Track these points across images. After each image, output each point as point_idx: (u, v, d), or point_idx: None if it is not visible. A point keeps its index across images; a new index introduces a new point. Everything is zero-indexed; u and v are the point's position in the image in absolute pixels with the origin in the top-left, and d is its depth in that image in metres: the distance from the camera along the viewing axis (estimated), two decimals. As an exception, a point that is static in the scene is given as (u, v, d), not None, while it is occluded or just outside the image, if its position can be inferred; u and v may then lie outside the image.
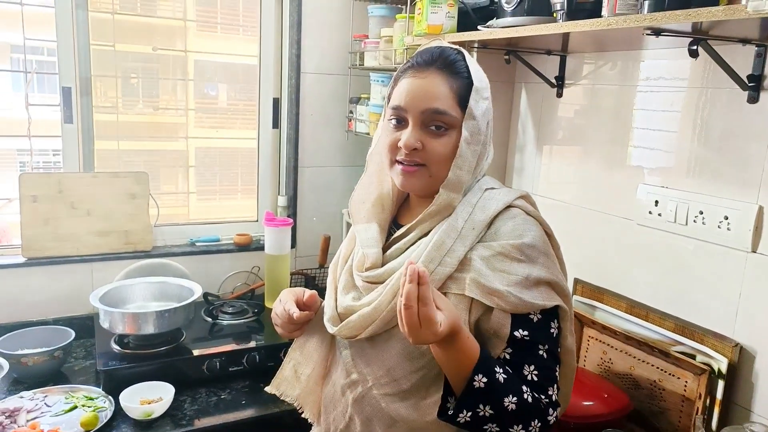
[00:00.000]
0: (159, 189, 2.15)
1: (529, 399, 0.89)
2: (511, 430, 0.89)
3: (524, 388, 0.89)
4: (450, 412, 0.88)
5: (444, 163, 0.97)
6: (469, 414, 0.87)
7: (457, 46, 1.02)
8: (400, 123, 0.98)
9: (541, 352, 0.93)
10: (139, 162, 2.06)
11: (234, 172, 2.32)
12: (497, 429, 0.88)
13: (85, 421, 1.40)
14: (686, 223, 1.37)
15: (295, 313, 1.05)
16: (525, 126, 1.88)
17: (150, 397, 1.50)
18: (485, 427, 0.88)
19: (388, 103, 1.03)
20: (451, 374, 0.89)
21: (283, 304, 1.08)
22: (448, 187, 0.97)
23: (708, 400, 1.29)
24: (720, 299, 1.31)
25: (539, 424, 0.90)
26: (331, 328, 1.04)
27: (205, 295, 2.02)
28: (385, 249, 1.04)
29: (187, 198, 2.20)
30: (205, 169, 2.26)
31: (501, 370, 0.88)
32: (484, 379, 0.86)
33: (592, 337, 1.57)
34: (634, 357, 1.46)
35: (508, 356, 0.93)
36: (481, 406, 0.86)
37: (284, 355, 1.17)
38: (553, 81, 1.73)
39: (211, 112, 2.24)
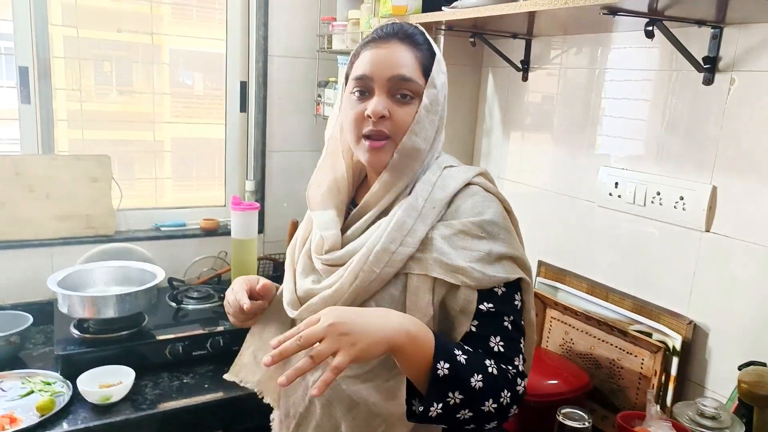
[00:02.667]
0: (132, 179, 2.12)
1: (495, 371, 0.87)
2: (483, 408, 0.86)
3: (488, 361, 0.88)
4: (421, 408, 0.85)
5: None
6: (440, 405, 0.83)
7: (414, 23, 1.01)
8: (364, 94, 0.97)
9: (506, 324, 0.92)
10: (113, 152, 2.01)
11: (210, 162, 2.28)
12: (470, 414, 0.86)
13: (41, 405, 1.37)
14: (644, 204, 1.39)
15: (245, 304, 1.03)
16: (492, 110, 1.89)
17: (109, 382, 1.47)
18: (458, 415, 0.86)
19: (346, 80, 1.02)
20: (412, 371, 0.86)
21: (235, 293, 1.06)
22: (402, 152, 0.96)
23: (663, 377, 1.31)
24: (675, 278, 1.34)
25: (509, 394, 0.88)
26: (291, 312, 1.03)
27: (170, 280, 1.99)
28: (343, 230, 1.02)
29: (155, 184, 2.16)
30: (179, 161, 2.23)
31: (460, 352, 0.86)
32: (447, 365, 0.83)
33: (555, 318, 1.59)
34: (595, 337, 1.48)
35: (474, 329, 0.91)
36: (450, 395, 0.84)
37: (248, 341, 1.16)
38: (519, 65, 1.73)
39: (186, 101, 2.21)
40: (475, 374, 0.85)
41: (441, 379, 0.83)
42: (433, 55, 0.98)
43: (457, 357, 0.85)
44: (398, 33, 0.97)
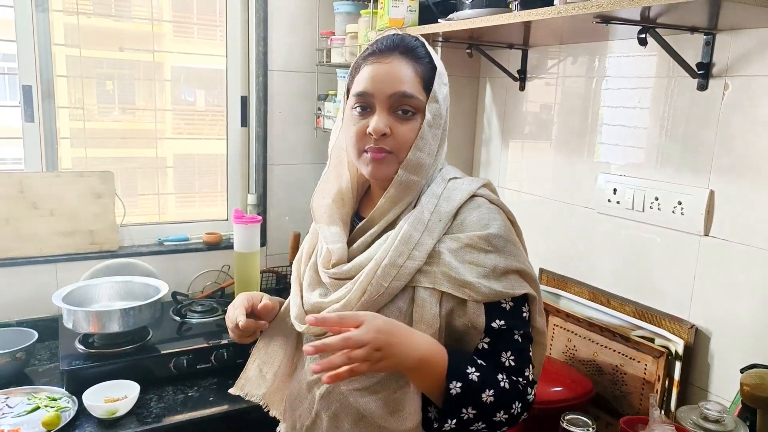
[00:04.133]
0: (136, 196, 2.14)
1: (507, 386, 0.90)
2: (495, 418, 0.90)
3: (500, 376, 0.91)
4: (435, 425, 0.90)
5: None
6: (455, 421, 0.88)
7: (415, 34, 1.02)
8: (366, 110, 0.97)
9: (516, 337, 0.94)
10: (117, 169, 2.04)
11: (213, 177, 2.30)
12: (483, 425, 0.90)
13: (46, 421, 1.38)
14: (643, 210, 1.40)
15: (241, 321, 1.04)
16: (490, 120, 1.91)
17: (114, 396, 1.48)
18: (472, 427, 0.90)
19: (347, 94, 1.02)
20: (426, 390, 0.90)
21: (235, 308, 1.07)
22: (407, 168, 0.96)
23: (667, 382, 1.31)
24: (676, 283, 1.34)
25: (520, 405, 0.92)
26: (299, 327, 1.03)
27: (174, 294, 2.00)
28: (349, 243, 1.02)
29: (158, 200, 2.19)
30: (182, 177, 2.25)
31: (473, 369, 0.89)
32: (459, 384, 0.87)
33: (558, 326, 1.59)
34: (597, 343, 1.48)
35: (486, 345, 0.94)
36: (464, 410, 0.88)
37: (252, 352, 1.17)
38: (516, 75, 1.75)
39: (188, 118, 2.24)
40: (487, 390, 0.89)
41: (454, 397, 0.87)
42: (434, 68, 0.98)
43: (470, 375, 0.88)
44: (399, 46, 0.97)
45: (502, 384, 0.90)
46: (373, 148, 0.96)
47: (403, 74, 0.95)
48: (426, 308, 0.93)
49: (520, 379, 0.93)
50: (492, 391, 0.89)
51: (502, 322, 0.93)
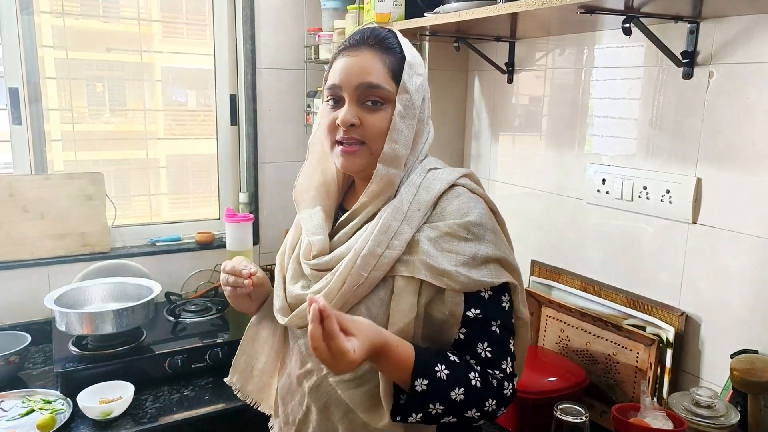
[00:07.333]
0: (129, 198, 2.14)
1: (478, 384, 0.90)
2: (466, 414, 0.90)
3: (472, 374, 0.90)
4: (398, 418, 0.90)
5: (383, 138, 0.97)
6: (420, 415, 0.89)
7: (388, 27, 1.02)
8: (337, 102, 0.98)
9: (494, 328, 0.94)
10: (109, 171, 2.03)
11: (206, 177, 2.30)
12: (454, 419, 0.90)
13: (41, 424, 1.37)
14: (632, 199, 1.41)
15: (255, 270, 1.08)
16: (479, 113, 1.91)
17: (109, 397, 1.48)
18: (442, 420, 0.90)
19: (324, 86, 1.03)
20: (393, 380, 0.90)
21: (240, 263, 1.09)
22: (385, 161, 0.97)
23: (659, 369, 1.32)
24: (666, 271, 1.35)
25: (495, 401, 0.92)
26: (281, 319, 1.03)
27: (167, 294, 2.00)
28: (331, 235, 1.03)
29: (150, 201, 2.18)
30: (176, 178, 2.25)
31: (443, 366, 0.89)
32: (425, 382, 0.87)
33: (550, 316, 1.60)
34: (590, 333, 1.49)
35: (462, 336, 0.93)
36: (431, 406, 0.88)
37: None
38: (503, 67, 1.76)
39: (180, 118, 2.23)
40: (457, 388, 0.89)
41: (419, 393, 0.87)
42: (404, 58, 0.98)
43: (437, 373, 0.88)
44: (369, 39, 0.98)
45: (473, 382, 0.90)
46: (345, 140, 0.97)
47: (371, 66, 0.96)
48: (403, 297, 0.93)
49: (496, 372, 0.93)
50: (462, 389, 0.89)
51: (478, 311, 0.93)
